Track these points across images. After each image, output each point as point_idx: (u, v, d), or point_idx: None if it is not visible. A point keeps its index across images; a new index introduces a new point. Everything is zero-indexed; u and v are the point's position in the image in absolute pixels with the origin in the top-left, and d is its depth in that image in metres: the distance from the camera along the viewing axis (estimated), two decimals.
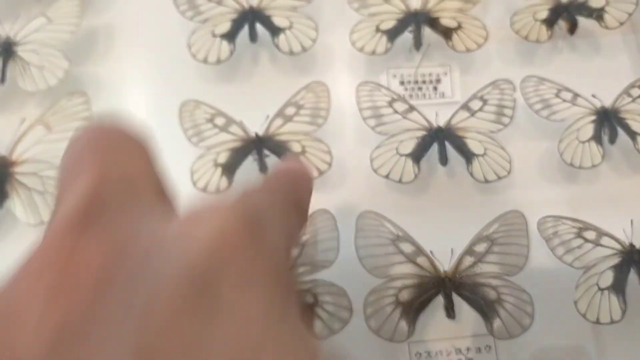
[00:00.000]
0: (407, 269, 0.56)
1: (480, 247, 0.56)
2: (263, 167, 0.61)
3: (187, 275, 0.24)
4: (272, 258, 0.28)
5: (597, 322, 0.55)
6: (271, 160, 0.61)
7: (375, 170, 0.60)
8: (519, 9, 0.68)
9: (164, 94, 0.67)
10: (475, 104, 0.62)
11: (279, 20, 0.66)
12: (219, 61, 0.65)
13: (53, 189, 0.58)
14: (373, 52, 0.66)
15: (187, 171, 0.60)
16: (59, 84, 0.63)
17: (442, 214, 0.62)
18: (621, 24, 0.68)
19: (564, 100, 0.63)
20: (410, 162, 0.60)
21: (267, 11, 0.67)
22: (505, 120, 0.62)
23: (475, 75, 0.67)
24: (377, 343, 0.55)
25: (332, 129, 0.64)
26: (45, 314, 0.24)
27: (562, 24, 0.68)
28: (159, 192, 0.33)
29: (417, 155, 0.61)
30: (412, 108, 0.62)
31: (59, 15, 0.66)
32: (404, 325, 0.55)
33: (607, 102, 0.63)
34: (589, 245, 0.57)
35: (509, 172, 0.60)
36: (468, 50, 0.66)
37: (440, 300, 0.55)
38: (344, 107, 0.65)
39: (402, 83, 0.67)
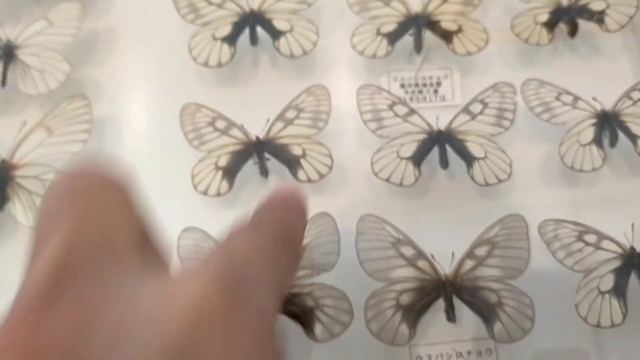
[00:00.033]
0: (408, 272, 0.56)
1: (481, 251, 0.56)
2: (264, 171, 0.61)
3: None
4: (257, 324, 0.27)
5: (598, 325, 0.55)
6: (272, 163, 0.61)
7: (375, 174, 0.60)
8: (520, 12, 0.68)
9: (165, 97, 0.67)
10: (476, 107, 0.62)
11: (279, 24, 0.66)
12: (219, 64, 0.65)
13: None
14: (374, 56, 0.66)
15: (188, 175, 0.60)
16: (60, 87, 0.63)
17: (443, 217, 0.62)
18: (622, 26, 0.68)
19: (565, 104, 0.63)
20: (410, 166, 0.60)
21: (267, 14, 0.67)
22: (506, 123, 0.62)
23: (475, 78, 0.67)
24: (377, 347, 0.55)
25: (332, 132, 0.64)
26: None
27: (562, 27, 0.68)
28: (141, 244, 0.31)
29: (418, 158, 0.61)
30: (412, 111, 0.62)
31: (60, 18, 0.66)
32: (404, 328, 0.55)
33: (608, 105, 0.63)
34: (590, 249, 0.57)
35: (509, 176, 0.60)
36: (469, 53, 0.66)
37: (441, 303, 0.55)
38: (345, 110, 0.65)
39: (402, 86, 0.67)
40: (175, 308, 0.24)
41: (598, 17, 0.68)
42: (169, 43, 0.69)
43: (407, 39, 0.67)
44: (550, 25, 0.67)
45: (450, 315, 0.55)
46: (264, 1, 0.67)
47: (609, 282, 0.55)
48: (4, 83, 0.64)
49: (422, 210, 0.62)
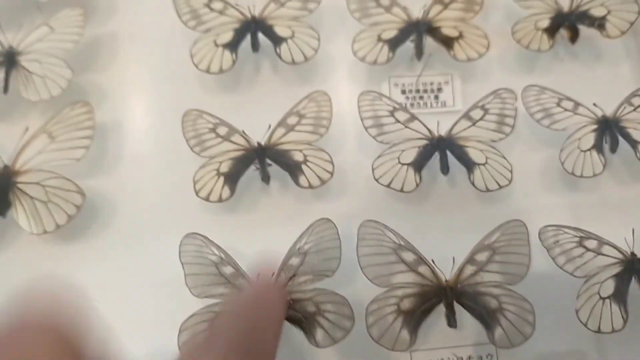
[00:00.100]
0: (409, 277, 0.56)
1: (482, 256, 0.56)
2: (265, 177, 0.61)
3: None
4: None
5: (599, 331, 0.55)
6: (273, 169, 0.61)
7: (376, 180, 0.60)
8: (521, 18, 0.68)
9: (167, 103, 0.67)
10: (477, 113, 0.62)
11: (281, 30, 0.67)
12: (221, 71, 0.65)
13: (56, 198, 0.58)
14: (375, 62, 0.66)
15: (190, 181, 0.60)
16: (61, 93, 0.63)
17: (444, 223, 0.62)
18: (623, 32, 0.68)
19: (565, 110, 0.63)
20: (411, 171, 0.60)
21: (269, 21, 0.67)
22: (507, 129, 0.62)
23: (476, 84, 0.68)
24: (378, 352, 0.55)
25: (334, 138, 0.64)
26: None
27: (563, 33, 0.68)
28: None
29: (419, 164, 0.61)
30: (413, 117, 0.62)
31: (61, 24, 0.66)
32: (405, 334, 0.55)
33: (609, 111, 0.63)
34: (590, 254, 0.57)
35: (510, 181, 0.60)
36: (469, 59, 0.66)
37: (441, 309, 0.55)
38: (346, 116, 0.65)
39: (403, 92, 0.68)
40: None
41: (599, 23, 0.68)
42: (170, 49, 0.69)
43: (408, 45, 0.67)
44: (551, 31, 0.68)
45: (451, 320, 0.55)
46: (266, 7, 0.68)
47: (609, 288, 0.55)
48: (6, 89, 0.64)
49: (423, 215, 0.63)
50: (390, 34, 0.67)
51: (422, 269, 0.55)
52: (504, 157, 0.61)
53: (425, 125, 0.62)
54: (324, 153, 0.61)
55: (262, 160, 0.61)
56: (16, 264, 0.60)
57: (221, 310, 0.32)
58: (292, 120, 0.62)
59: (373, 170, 0.61)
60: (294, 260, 0.55)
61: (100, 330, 0.31)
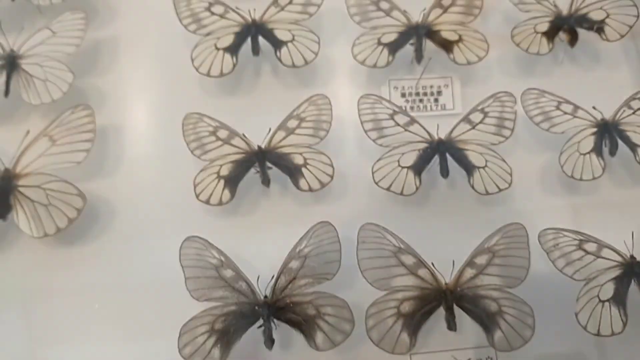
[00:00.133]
0: (409, 281, 0.56)
1: (482, 259, 0.56)
2: (265, 180, 0.61)
3: None
4: None
5: (598, 334, 0.55)
6: (274, 172, 0.62)
7: (376, 183, 0.60)
8: (520, 22, 0.68)
9: (167, 106, 0.68)
10: (476, 117, 0.63)
11: (281, 34, 0.67)
12: (221, 74, 0.66)
13: (57, 201, 0.58)
14: (374, 65, 0.66)
15: (190, 184, 0.60)
16: (63, 97, 0.63)
17: (444, 226, 0.62)
18: (622, 36, 0.68)
19: (565, 113, 0.63)
20: (411, 175, 0.61)
21: (269, 24, 0.67)
22: (506, 132, 0.62)
23: (476, 87, 0.68)
24: (379, 355, 0.55)
25: (334, 141, 0.64)
26: None
27: (562, 36, 0.69)
28: None
29: (419, 167, 0.61)
30: (413, 120, 0.63)
31: (63, 28, 0.66)
32: (405, 337, 0.55)
33: (608, 114, 0.64)
34: (590, 258, 0.57)
35: (509, 184, 0.60)
36: (469, 62, 0.66)
37: (441, 312, 0.55)
38: (346, 119, 0.65)
39: (403, 95, 0.68)
40: None
41: (598, 27, 0.68)
42: (171, 53, 0.69)
43: (408, 48, 0.67)
44: (551, 34, 0.68)
45: (451, 323, 0.55)
46: (266, 11, 0.68)
47: (609, 291, 0.56)
48: (7, 93, 0.64)
49: (423, 218, 0.63)
50: (390, 37, 0.67)
51: (422, 272, 0.56)
52: (504, 160, 0.61)
53: (425, 129, 0.62)
54: (324, 156, 0.61)
55: (263, 163, 0.61)
56: (16, 267, 0.60)
57: None
58: (292, 123, 0.62)
59: (373, 173, 0.61)
60: (294, 264, 0.56)
61: None
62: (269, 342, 0.54)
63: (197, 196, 0.60)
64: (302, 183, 0.61)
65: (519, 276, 0.55)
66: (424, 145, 0.62)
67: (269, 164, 0.62)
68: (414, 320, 0.55)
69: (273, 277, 0.55)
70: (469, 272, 0.56)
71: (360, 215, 0.60)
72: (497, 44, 0.68)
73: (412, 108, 0.67)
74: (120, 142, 0.66)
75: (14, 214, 0.58)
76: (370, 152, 0.63)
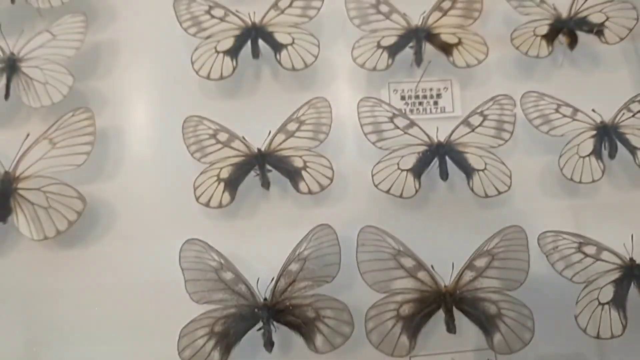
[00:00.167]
0: (408, 283, 0.56)
1: (481, 262, 0.56)
2: (265, 182, 0.61)
3: None
4: None
5: (598, 337, 0.55)
6: (273, 175, 0.62)
7: (376, 186, 0.61)
8: (520, 25, 0.68)
9: (168, 109, 0.68)
10: (476, 120, 0.63)
11: (281, 37, 0.67)
12: (221, 77, 0.66)
13: (57, 204, 0.58)
14: (374, 68, 0.66)
15: (190, 186, 0.60)
16: (63, 100, 0.63)
17: (443, 228, 0.62)
18: (621, 39, 0.68)
19: (564, 116, 0.64)
20: (411, 177, 0.61)
21: (269, 27, 0.67)
22: (506, 135, 0.63)
23: (475, 90, 0.68)
24: (378, 357, 0.55)
25: (333, 144, 0.64)
26: None
27: (562, 39, 0.69)
28: None
29: (418, 170, 0.61)
30: (413, 123, 0.63)
31: (63, 31, 0.67)
32: (405, 339, 0.55)
33: (608, 117, 0.64)
34: (589, 260, 0.57)
35: (509, 187, 0.60)
36: (468, 65, 0.66)
37: (441, 314, 0.55)
38: (346, 122, 0.66)
39: (403, 98, 0.68)
40: None
41: (598, 30, 0.68)
42: (171, 55, 0.70)
43: (408, 51, 0.67)
44: (550, 37, 0.68)
45: (450, 326, 0.55)
46: (266, 14, 0.68)
47: (608, 294, 0.56)
48: (7, 96, 0.64)
49: (423, 221, 0.63)
50: (390, 40, 0.67)
51: (422, 274, 0.56)
52: (503, 163, 0.61)
53: (424, 132, 0.62)
54: (324, 159, 0.61)
55: (262, 166, 0.61)
56: (17, 269, 0.60)
57: None
58: (292, 126, 0.63)
59: (372, 176, 0.61)
60: (294, 266, 0.56)
61: None
62: (269, 344, 0.54)
63: (197, 199, 0.60)
64: (302, 186, 0.61)
65: (518, 279, 0.56)
66: (423, 148, 0.62)
67: (268, 167, 0.62)
68: (414, 323, 0.55)
69: (273, 279, 0.55)
70: (469, 275, 0.56)
71: (360, 217, 0.60)
72: (497, 46, 0.68)
73: (411, 111, 0.67)
74: (120, 144, 0.66)
75: (14, 216, 0.58)
76: (369, 155, 0.63)
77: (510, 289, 0.55)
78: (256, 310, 0.55)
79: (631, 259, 0.57)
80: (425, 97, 0.68)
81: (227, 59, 0.66)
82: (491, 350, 0.55)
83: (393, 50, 0.67)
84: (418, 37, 0.67)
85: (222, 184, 0.61)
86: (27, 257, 0.60)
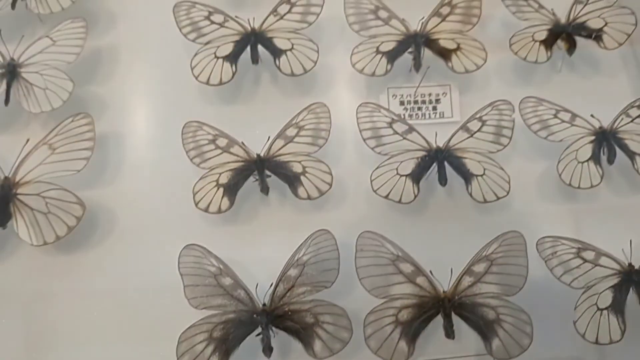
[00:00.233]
0: (407, 289, 0.56)
1: (480, 267, 0.56)
2: (264, 188, 0.61)
3: None
4: None
5: (597, 342, 0.55)
6: (272, 180, 0.62)
7: (375, 191, 0.61)
8: (518, 30, 0.68)
9: (167, 114, 0.68)
10: (474, 125, 0.63)
11: (280, 42, 0.67)
12: (221, 82, 0.66)
13: (56, 209, 0.58)
14: (373, 74, 0.66)
15: (189, 192, 0.60)
16: (63, 105, 0.63)
17: (442, 233, 0.62)
18: (620, 44, 0.68)
19: (563, 121, 0.64)
20: (410, 183, 0.61)
21: (268, 33, 0.67)
22: (504, 140, 0.63)
23: (474, 95, 0.68)
24: None
25: (332, 149, 0.64)
26: None
27: (560, 45, 0.69)
28: None
29: (417, 175, 0.61)
30: (411, 129, 0.63)
31: (63, 36, 0.67)
32: (403, 345, 0.55)
33: (606, 122, 0.64)
34: (588, 266, 0.57)
35: (508, 192, 0.60)
36: (467, 71, 0.67)
37: (440, 319, 0.55)
38: (345, 127, 0.66)
39: (402, 103, 0.68)
40: None
41: (596, 35, 0.68)
42: (171, 61, 0.70)
43: (407, 56, 0.68)
44: (549, 42, 0.68)
45: (449, 331, 0.55)
46: (265, 20, 0.68)
47: (607, 299, 0.56)
48: (7, 101, 0.64)
49: (421, 226, 0.63)
50: (389, 46, 0.67)
51: (420, 280, 0.56)
52: (502, 168, 0.61)
53: (423, 137, 0.62)
54: (323, 164, 0.62)
55: (261, 171, 0.61)
56: (16, 274, 0.61)
57: None
58: (291, 131, 0.63)
59: (371, 181, 0.61)
60: (293, 272, 0.56)
61: None
62: (268, 350, 0.54)
63: (196, 204, 0.61)
64: (301, 191, 0.61)
65: (517, 284, 0.56)
66: (422, 153, 0.62)
67: (267, 172, 0.62)
68: (412, 328, 0.55)
69: (271, 285, 0.56)
70: (467, 280, 0.56)
71: (359, 223, 0.60)
72: (496, 52, 0.68)
73: (410, 116, 0.67)
74: (120, 150, 0.66)
75: (13, 222, 0.59)
76: (368, 160, 0.63)
77: (509, 294, 0.55)
78: (255, 315, 0.55)
79: (630, 265, 0.57)
80: (424, 102, 0.68)
81: (227, 64, 0.66)
82: (490, 356, 0.55)
83: (392, 56, 0.67)
84: (417, 42, 0.67)
85: (221, 189, 0.61)
86: (26, 262, 0.61)
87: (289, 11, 0.68)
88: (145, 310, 0.59)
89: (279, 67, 0.67)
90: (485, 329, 0.55)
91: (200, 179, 0.61)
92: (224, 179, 0.61)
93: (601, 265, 0.57)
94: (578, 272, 0.57)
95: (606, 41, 0.68)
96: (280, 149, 0.62)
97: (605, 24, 0.69)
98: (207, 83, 0.66)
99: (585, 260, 0.57)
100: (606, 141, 0.63)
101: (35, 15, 0.69)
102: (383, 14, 0.69)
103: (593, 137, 0.63)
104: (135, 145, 0.66)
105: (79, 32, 0.67)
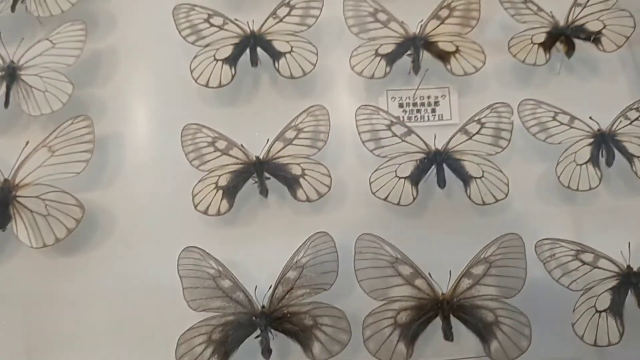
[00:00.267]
0: (406, 291, 0.56)
1: (478, 270, 0.56)
2: (263, 190, 0.62)
3: None
4: None
5: (595, 344, 0.55)
6: (272, 182, 0.62)
7: (374, 193, 0.61)
8: (517, 33, 0.68)
9: (167, 117, 0.68)
10: (473, 127, 0.63)
11: (279, 45, 0.67)
12: (220, 85, 0.66)
13: (56, 211, 0.58)
14: (372, 76, 0.66)
15: (188, 194, 0.61)
16: (62, 108, 0.63)
17: (441, 236, 0.62)
18: (618, 47, 0.68)
19: (561, 123, 0.64)
20: (408, 185, 0.61)
21: (268, 36, 0.68)
22: (503, 143, 0.63)
23: (473, 97, 0.68)
24: None
25: (331, 151, 0.64)
26: None
27: (559, 47, 0.69)
28: None
29: (416, 177, 0.61)
30: (410, 131, 0.63)
31: (62, 39, 0.67)
32: (402, 347, 0.55)
33: (605, 124, 0.64)
34: (587, 268, 0.57)
35: (506, 195, 0.61)
36: (466, 73, 0.67)
37: (438, 322, 0.55)
38: (344, 130, 0.66)
39: (401, 105, 0.68)
40: None
41: (595, 37, 0.68)
42: (171, 63, 0.70)
43: (406, 59, 0.68)
44: (547, 45, 0.68)
45: (448, 334, 0.55)
46: (264, 23, 0.68)
47: (606, 301, 0.56)
48: (6, 104, 0.64)
49: (420, 228, 0.63)
50: (388, 48, 0.67)
51: (419, 282, 0.56)
52: (501, 171, 0.61)
53: (422, 139, 0.62)
54: (322, 167, 0.62)
55: (261, 173, 0.62)
56: (16, 276, 0.61)
57: None
58: (290, 134, 0.63)
59: (370, 183, 0.61)
60: (292, 274, 0.56)
61: None
62: (267, 352, 0.54)
63: (196, 206, 0.61)
64: (300, 193, 0.61)
65: (515, 286, 0.56)
66: (421, 155, 0.62)
67: (267, 175, 0.62)
68: (411, 331, 0.55)
69: (270, 287, 0.56)
70: (466, 283, 0.56)
71: (358, 225, 0.60)
72: (494, 54, 0.68)
73: (409, 118, 0.68)
74: (119, 152, 0.66)
75: (13, 224, 0.59)
76: (367, 163, 0.63)
77: (507, 296, 0.55)
78: (254, 317, 0.55)
79: (628, 267, 0.57)
80: (423, 104, 0.68)
81: (226, 67, 0.66)
82: (488, 358, 0.55)
83: (391, 58, 0.67)
84: (416, 45, 0.67)
85: (220, 192, 0.61)
86: (26, 264, 0.61)
87: (288, 14, 0.68)
88: (144, 312, 0.59)
89: (278, 70, 0.67)
90: (483, 331, 0.55)
91: (199, 181, 0.61)
92: (223, 181, 0.61)
93: (600, 268, 0.57)
94: (576, 275, 0.57)
95: (605, 44, 0.69)
96: (279, 151, 0.62)
97: (604, 27, 0.69)
98: (207, 85, 0.66)
99: (583, 263, 0.57)
100: (605, 143, 0.63)
101: (35, 18, 0.69)
102: (382, 16, 0.69)
103: (592, 140, 0.63)
104: (134, 148, 0.66)
105: (78, 34, 0.67)
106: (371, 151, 0.63)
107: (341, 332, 0.55)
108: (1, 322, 0.59)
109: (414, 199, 0.61)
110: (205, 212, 0.61)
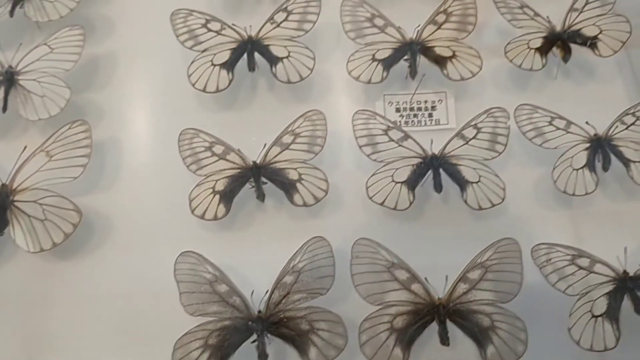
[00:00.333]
0: (402, 295, 0.56)
1: (475, 274, 0.56)
2: (260, 195, 0.62)
3: None
4: None
5: (591, 349, 0.55)
6: (268, 187, 0.62)
7: (370, 198, 0.61)
8: (514, 38, 0.69)
9: (164, 121, 0.68)
10: (470, 132, 0.63)
11: (277, 50, 0.67)
12: (217, 90, 0.66)
13: (53, 216, 0.58)
14: (369, 81, 0.67)
15: (185, 199, 0.61)
16: (60, 113, 0.64)
17: (437, 240, 0.62)
18: (615, 52, 0.68)
19: (558, 128, 0.64)
20: (405, 190, 0.61)
21: (265, 41, 0.68)
22: (500, 147, 0.63)
23: (470, 102, 0.68)
24: None
25: (328, 156, 0.65)
26: None
27: (556, 52, 0.69)
28: None
29: (412, 182, 0.61)
30: (407, 136, 0.63)
31: (61, 44, 0.67)
32: (398, 352, 0.55)
33: (601, 129, 0.64)
34: (583, 273, 0.57)
35: (503, 200, 0.61)
36: (463, 78, 0.67)
37: (435, 326, 0.55)
38: (341, 134, 0.66)
39: (398, 110, 0.68)
40: None
41: (591, 42, 0.68)
42: (168, 69, 0.70)
43: (402, 64, 0.68)
44: (544, 50, 0.68)
45: (444, 338, 0.55)
46: (262, 28, 0.68)
47: (602, 306, 0.56)
48: (4, 108, 0.65)
49: (417, 233, 0.63)
50: (385, 53, 0.67)
51: (415, 287, 0.56)
52: (497, 176, 0.61)
53: (418, 144, 0.63)
54: (319, 171, 0.62)
55: (257, 178, 0.62)
56: (13, 279, 0.61)
57: None
58: (287, 139, 0.63)
59: (367, 188, 0.61)
60: (288, 279, 0.56)
61: None
62: (263, 357, 0.54)
63: (193, 211, 0.61)
64: (297, 198, 0.61)
65: (511, 291, 0.56)
66: (417, 160, 0.62)
67: (264, 179, 0.62)
68: (407, 335, 0.55)
69: (267, 292, 0.56)
70: (462, 287, 0.56)
71: (355, 229, 0.60)
72: (491, 59, 0.68)
73: (406, 123, 0.68)
74: (117, 157, 0.66)
75: (10, 228, 0.59)
76: (364, 167, 0.63)
77: (503, 301, 0.55)
78: (250, 322, 0.55)
79: (625, 272, 0.57)
80: (420, 109, 0.68)
81: (223, 72, 0.67)
82: None
83: (388, 63, 0.67)
84: (413, 50, 0.67)
85: (217, 196, 0.61)
86: (23, 268, 0.61)
87: (286, 19, 0.69)
88: (141, 317, 0.59)
89: (275, 75, 0.67)
90: (480, 335, 0.55)
91: (196, 186, 0.61)
92: (220, 186, 0.61)
93: (596, 272, 0.57)
94: (573, 279, 0.57)
95: (601, 48, 0.69)
96: (276, 156, 0.62)
97: (600, 32, 0.69)
98: (204, 90, 0.66)
99: (580, 267, 0.57)
100: (601, 148, 0.63)
101: (33, 23, 0.70)
102: (379, 21, 0.69)
103: (588, 145, 0.63)
104: (132, 153, 0.67)
105: (76, 39, 0.67)
106: (368, 156, 0.63)
107: (337, 337, 0.55)
108: None
109: (411, 203, 0.61)
110: (202, 217, 0.61)
